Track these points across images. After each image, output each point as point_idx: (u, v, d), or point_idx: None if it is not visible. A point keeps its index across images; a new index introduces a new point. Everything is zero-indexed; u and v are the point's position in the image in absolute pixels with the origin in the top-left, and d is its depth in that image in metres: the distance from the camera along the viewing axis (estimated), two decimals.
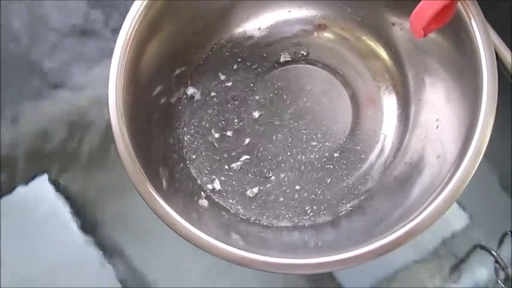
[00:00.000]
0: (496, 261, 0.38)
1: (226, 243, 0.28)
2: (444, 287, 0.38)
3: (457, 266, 0.38)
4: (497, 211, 0.39)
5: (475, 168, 0.27)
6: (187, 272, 0.39)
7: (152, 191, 0.29)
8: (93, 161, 0.41)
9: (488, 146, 0.38)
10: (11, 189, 0.41)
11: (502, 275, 0.38)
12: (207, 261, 0.38)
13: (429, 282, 0.38)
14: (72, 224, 0.40)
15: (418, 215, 0.27)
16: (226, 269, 0.38)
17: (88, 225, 0.40)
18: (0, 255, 0.39)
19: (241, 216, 0.35)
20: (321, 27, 0.39)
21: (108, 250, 0.39)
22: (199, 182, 0.36)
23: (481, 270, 0.38)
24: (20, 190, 0.41)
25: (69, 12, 0.45)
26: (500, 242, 0.38)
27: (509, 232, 0.38)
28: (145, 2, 0.32)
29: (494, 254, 0.37)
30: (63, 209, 0.40)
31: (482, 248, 0.38)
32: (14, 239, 0.40)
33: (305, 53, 0.39)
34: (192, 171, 0.36)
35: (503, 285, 0.37)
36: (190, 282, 0.39)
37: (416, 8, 0.29)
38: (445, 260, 0.39)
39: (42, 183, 0.41)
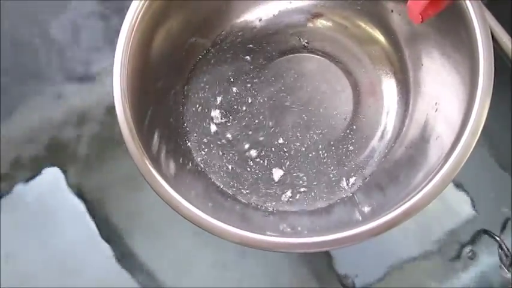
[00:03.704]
0: (500, 247, 0.38)
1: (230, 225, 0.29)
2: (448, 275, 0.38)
3: (461, 253, 0.39)
4: (504, 199, 0.39)
5: (472, 147, 0.28)
6: (195, 264, 0.39)
7: (158, 177, 0.30)
8: (103, 155, 0.42)
9: (496, 136, 0.38)
10: (21, 182, 0.41)
11: (505, 260, 0.38)
12: (215, 253, 0.39)
13: (435, 272, 0.38)
14: (82, 217, 0.40)
15: (416, 193, 0.28)
16: (234, 261, 0.39)
17: (98, 217, 0.40)
18: (0, 247, 0.40)
19: (243, 202, 0.36)
20: (321, 16, 0.39)
21: (117, 242, 0.40)
22: (205, 168, 0.37)
23: (485, 256, 0.38)
24: (30, 184, 0.41)
25: None
26: (503, 227, 0.38)
27: (511, 218, 0.38)
28: None
29: (498, 239, 0.38)
30: (74, 203, 0.41)
31: (486, 233, 0.38)
32: (23, 232, 0.40)
33: (306, 42, 0.39)
34: (195, 157, 0.37)
35: (506, 271, 0.37)
36: (198, 273, 0.39)
37: None
38: (451, 250, 0.39)
39: (53, 177, 0.41)
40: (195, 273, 0.39)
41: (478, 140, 0.34)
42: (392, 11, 0.36)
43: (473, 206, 0.39)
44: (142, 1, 0.32)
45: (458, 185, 0.40)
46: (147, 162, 0.30)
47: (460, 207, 0.39)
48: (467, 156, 0.28)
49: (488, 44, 0.29)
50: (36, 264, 0.40)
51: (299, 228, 0.33)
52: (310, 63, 0.39)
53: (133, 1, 0.32)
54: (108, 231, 0.40)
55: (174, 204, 0.29)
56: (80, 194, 0.41)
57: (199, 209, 0.29)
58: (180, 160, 0.35)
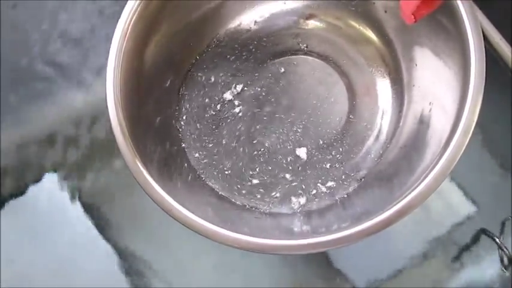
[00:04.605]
0: (500, 247, 0.37)
1: (221, 227, 0.29)
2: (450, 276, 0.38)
3: (461, 254, 0.38)
4: (505, 200, 0.39)
5: (464, 146, 0.28)
6: (198, 265, 0.39)
7: (150, 180, 0.30)
8: (104, 159, 0.42)
9: (496, 136, 0.38)
10: (22, 188, 0.42)
11: (505, 261, 0.37)
12: (218, 253, 0.39)
13: (435, 273, 0.38)
14: (82, 220, 0.40)
15: (410, 193, 0.28)
16: (237, 262, 0.39)
17: (98, 220, 0.40)
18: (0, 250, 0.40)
19: (238, 204, 0.36)
20: (315, 17, 0.39)
21: (118, 246, 0.40)
22: (199, 170, 0.37)
23: (485, 257, 0.38)
24: (31, 189, 0.41)
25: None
26: (502, 227, 0.38)
27: (510, 217, 0.38)
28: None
29: (497, 239, 0.37)
30: (74, 205, 0.41)
31: (485, 232, 0.38)
32: (23, 235, 0.41)
33: (301, 44, 0.39)
34: (191, 159, 0.37)
35: (506, 271, 0.37)
36: (201, 274, 0.39)
37: None
38: (452, 250, 0.39)
39: (53, 181, 0.41)
40: (197, 274, 0.39)
41: (479, 140, 0.35)
42: (385, 11, 0.36)
43: (475, 206, 0.39)
44: (136, 5, 0.32)
45: (459, 186, 0.40)
46: (139, 164, 0.30)
47: (461, 207, 0.39)
48: (460, 155, 0.28)
49: (479, 43, 0.29)
50: (35, 267, 0.40)
51: (294, 230, 0.33)
52: (305, 64, 0.39)
53: (126, 5, 0.32)
54: (109, 234, 0.40)
55: (166, 206, 0.29)
56: (80, 197, 0.41)
57: (191, 211, 0.29)
58: (174, 162, 0.36)
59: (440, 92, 0.32)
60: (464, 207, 0.39)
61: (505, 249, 0.37)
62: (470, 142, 0.28)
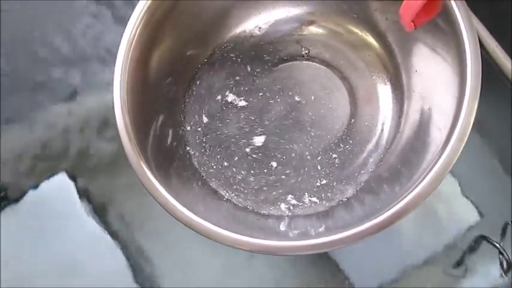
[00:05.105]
0: (500, 253, 0.38)
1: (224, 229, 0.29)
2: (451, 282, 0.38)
3: (463, 259, 0.39)
4: (508, 206, 0.39)
5: (459, 152, 0.28)
6: (204, 266, 0.40)
7: (154, 181, 0.31)
8: (112, 161, 0.42)
9: (498, 143, 0.38)
10: (23, 188, 0.42)
11: (505, 266, 0.38)
12: (224, 254, 0.40)
13: (438, 278, 0.38)
14: (90, 221, 0.41)
15: (407, 195, 0.28)
16: (242, 263, 0.39)
17: (105, 222, 0.41)
18: (2, 250, 0.41)
19: (239, 205, 0.36)
20: (317, 23, 0.40)
21: (122, 246, 0.40)
22: (202, 173, 0.38)
23: (486, 262, 0.38)
24: (38, 189, 0.42)
25: None
26: (503, 232, 0.38)
27: (510, 223, 0.38)
28: (148, 3, 0.33)
29: (497, 244, 0.38)
30: (82, 206, 0.41)
31: (485, 238, 0.38)
32: (24, 237, 0.41)
33: (304, 50, 0.40)
34: (195, 162, 0.38)
35: (505, 276, 0.37)
36: (207, 275, 0.40)
37: (405, 0, 0.30)
38: (454, 256, 0.39)
39: (61, 182, 0.42)
40: (202, 274, 0.40)
41: (481, 144, 0.35)
42: (386, 18, 0.37)
43: (478, 212, 0.40)
44: (142, 13, 0.33)
45: (462, 191, 0.40)
46: (144, 166, 0.30)
47: (464, 213, 0.40)
48: (456, 158, 0.28)
49: (475, 49, 0.29)
50: (36, 267, 0.40)
51: (293, 232, 0.34)
52: (308, 70, 0.40)
53: (133, 13, 0.33)
54: (113, 234, 0.41)
55: (169, 207, 0.30)
56: (85, 198, 0.41)
57: (194, 213, 0.29)
58: (179, 165, 0.36)
59: (438, 97, 0.32)
60: (468, 213, 0.39)
61: (505, 254, 0.37)
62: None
